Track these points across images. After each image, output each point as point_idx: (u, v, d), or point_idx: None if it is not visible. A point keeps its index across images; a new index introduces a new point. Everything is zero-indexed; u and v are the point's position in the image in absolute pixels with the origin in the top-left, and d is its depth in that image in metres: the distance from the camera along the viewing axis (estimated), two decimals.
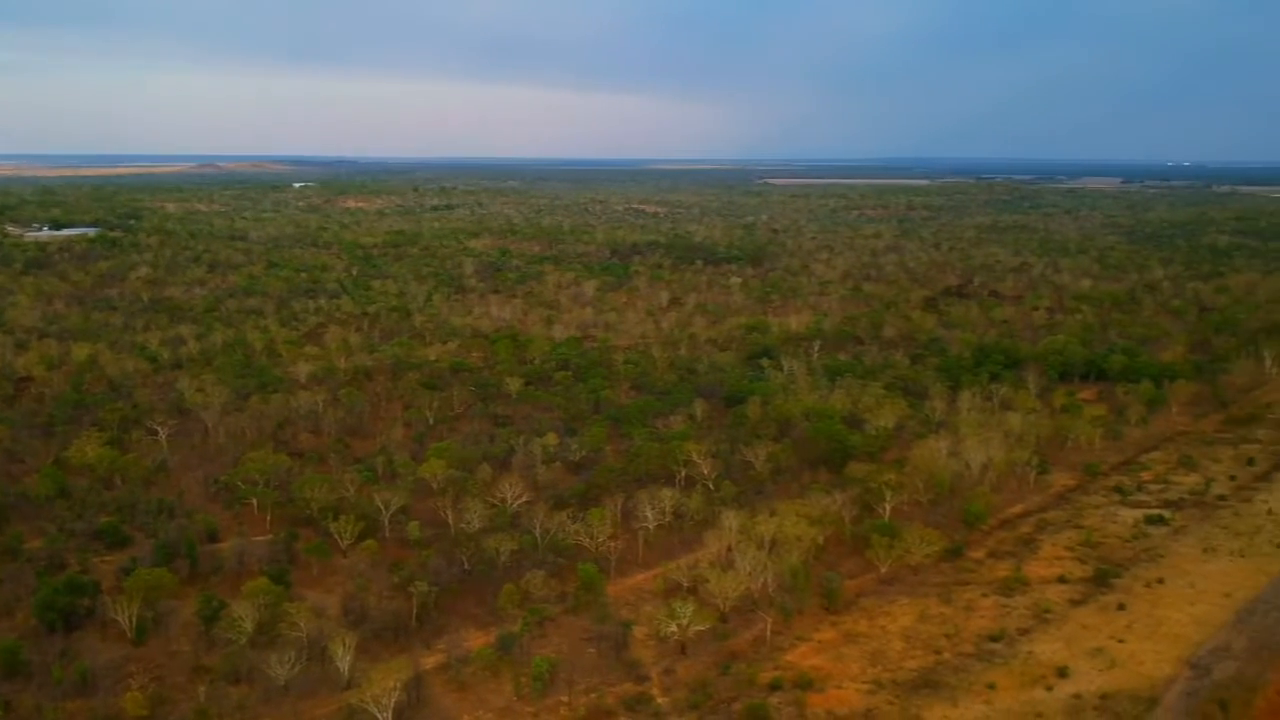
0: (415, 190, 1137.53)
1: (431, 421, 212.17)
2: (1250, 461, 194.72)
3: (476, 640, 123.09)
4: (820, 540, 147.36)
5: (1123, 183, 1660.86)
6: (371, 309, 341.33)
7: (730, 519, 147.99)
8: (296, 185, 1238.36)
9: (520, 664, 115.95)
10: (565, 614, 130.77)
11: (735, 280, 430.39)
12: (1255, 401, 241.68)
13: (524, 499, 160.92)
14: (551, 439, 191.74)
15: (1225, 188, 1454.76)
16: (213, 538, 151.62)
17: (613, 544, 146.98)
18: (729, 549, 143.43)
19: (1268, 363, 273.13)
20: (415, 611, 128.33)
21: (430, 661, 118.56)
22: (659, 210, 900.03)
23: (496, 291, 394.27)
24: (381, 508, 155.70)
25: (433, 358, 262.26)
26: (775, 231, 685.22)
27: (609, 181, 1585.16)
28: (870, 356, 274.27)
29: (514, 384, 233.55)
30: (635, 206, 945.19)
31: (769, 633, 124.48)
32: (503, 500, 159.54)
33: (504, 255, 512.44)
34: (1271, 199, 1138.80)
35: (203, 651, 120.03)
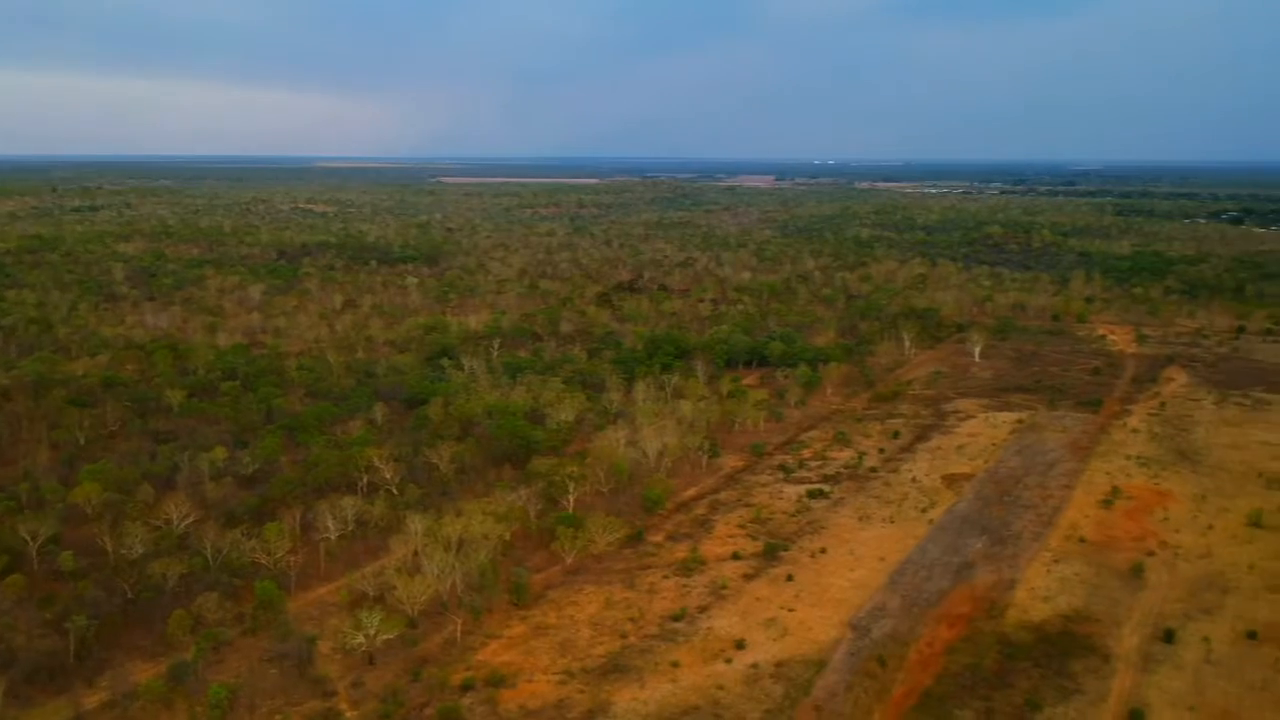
0: (54, 190, 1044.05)
1: (82, 442, 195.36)
2: (895, 435, 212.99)
3: (145, 672, 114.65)
4: (507, 537, 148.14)
5: (775, 180, 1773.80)
6: (6, 321, 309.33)
7: (415, 522, 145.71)
8: None
9: (196, 693, 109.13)
10: (243, 636, 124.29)
11: (412, 280, 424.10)
12: (897, 379, 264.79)
13: (192, 519, 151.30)
14: (220, 453, 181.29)
15: (865, 184, 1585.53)
16: None
17: (292, 558, 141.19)
18: (415, 553, 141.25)
19: (907, 344, 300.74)
20: (73, 648, 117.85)
21: (93, 700, 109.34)
22: (328, 209, 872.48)
23: (152, 299, 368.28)
24: (27, 539, 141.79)
25: (81, 372, 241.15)
26: (451, 230, 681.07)
27: (273, 179, 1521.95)
28: (549, 352, 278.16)
29: (175, 397, 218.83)
30: (302, 206, 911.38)
31: (459, 633, 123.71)
32: (168, 521, 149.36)
33: (159, 259, 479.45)
34: (905, 194, 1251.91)
35: None
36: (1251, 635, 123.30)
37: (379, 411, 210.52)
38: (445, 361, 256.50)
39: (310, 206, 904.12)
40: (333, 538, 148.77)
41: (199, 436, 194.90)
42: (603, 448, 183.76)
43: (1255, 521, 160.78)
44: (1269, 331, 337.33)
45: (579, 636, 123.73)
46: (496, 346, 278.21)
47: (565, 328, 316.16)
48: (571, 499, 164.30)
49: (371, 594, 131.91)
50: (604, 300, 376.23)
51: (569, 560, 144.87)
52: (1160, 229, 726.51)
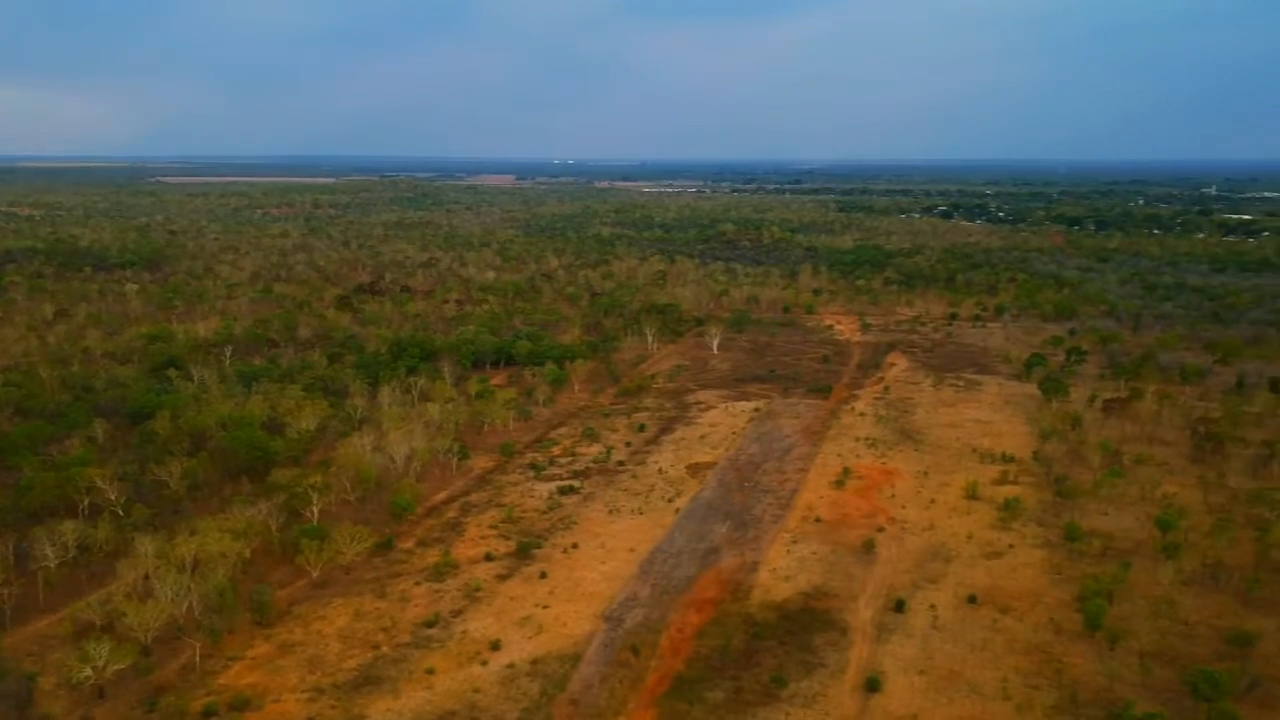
0: None
1: None
2: (641, 428, 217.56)
3: None
4: (247, 553, 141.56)
5: (516, 179, 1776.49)
6: None
7: (145, 544, 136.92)
8: None
9: None
10: None
11: (132, 287, 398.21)
12: (642, 374, 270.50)
13: None
14: None
15: (604, 183, 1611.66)
16: None
17: (6, 591, 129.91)
18: (146, 577, 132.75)
19: (649, 339, 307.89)
20: None
21: None
22: (34, 213, 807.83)
23: None
24: None
25: None
26: (174, 233, 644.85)
27: None
28: (287, 358, 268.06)
29: None
30: (4, 209, 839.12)
31: (199, 658, 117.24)
32: None
33: None
34: (642, 193, 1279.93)
35: None
36: (971, 599, 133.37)
37: (99, 428, 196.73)
38: (172, 372, 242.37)
39: (14, 210, 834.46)
40: (52, 566, 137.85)
41: None
42: (347, 455, 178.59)
43: (971, 494, 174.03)
44: (977, 318, 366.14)
45: (328, 651, 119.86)
46: (229, 355, 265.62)
47: (303, 333, 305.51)
48: (316, 510, 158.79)
49: (99, 623, 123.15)
50: (344, 303, 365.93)
51: (315, 574, 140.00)
52: (879, 224, 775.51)
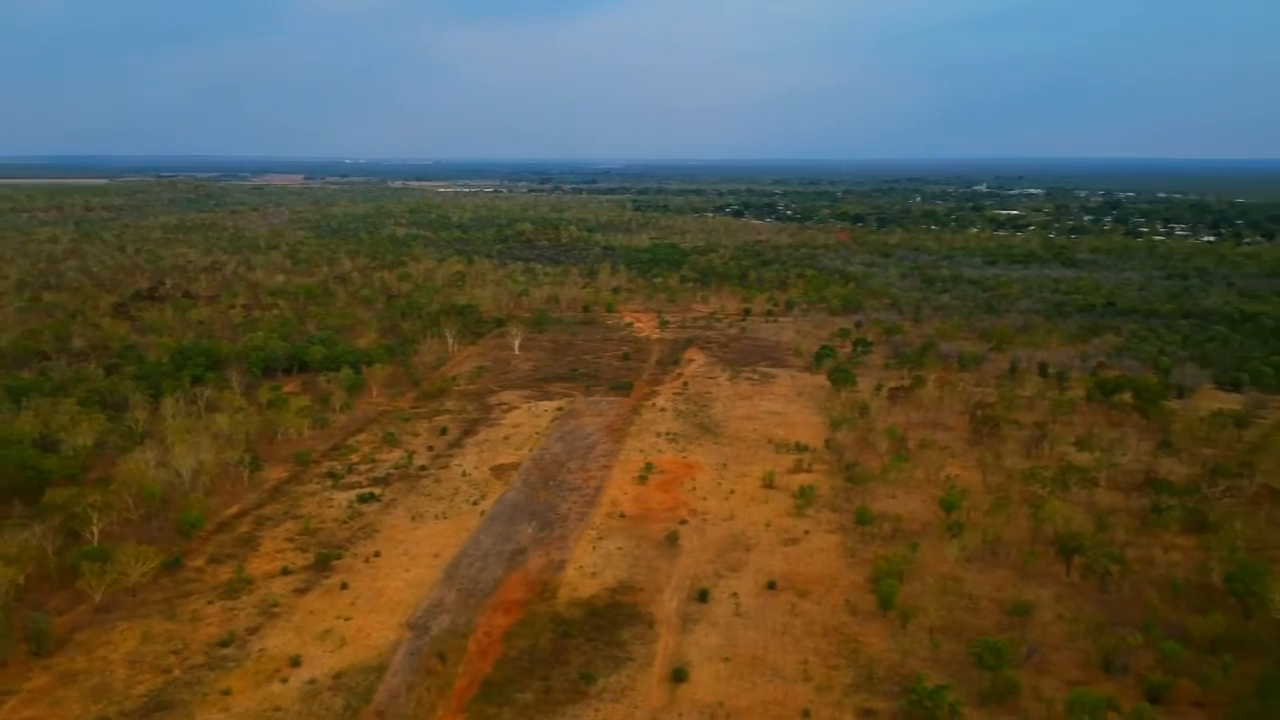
0: None
1: None
2: (443, 431, 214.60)
3: None
4: (21, 580, 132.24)
5: (305, 179, 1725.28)
6: None
7: None
8: None
9: None
10: None
11: None
12: (443, 376, 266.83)
13: None
14: None
15: (398, 183, 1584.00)
16: None
17: None
18: None
19: (450, 341, 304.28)
20: None
21: None
22: None
23: None
24: None
25: None
26: None
27: None
28: (59, 371, 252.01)
29: None
30: None
31: None
32: None
33: None
34: (438, 193, 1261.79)
35: None
36: (771, 586, 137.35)
37: None
38: None
39: None
40: None
41: None
42: (129, 471, 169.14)
43: (768, 483, 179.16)
44: (769, 313, 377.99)
45: (115, 678, 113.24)
46: None
47: (77, 343, 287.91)
48: (96, 530, 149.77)
49: None
50: (121, 311, 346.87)
51: (98, 597, 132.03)
52: (674, 223, 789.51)
